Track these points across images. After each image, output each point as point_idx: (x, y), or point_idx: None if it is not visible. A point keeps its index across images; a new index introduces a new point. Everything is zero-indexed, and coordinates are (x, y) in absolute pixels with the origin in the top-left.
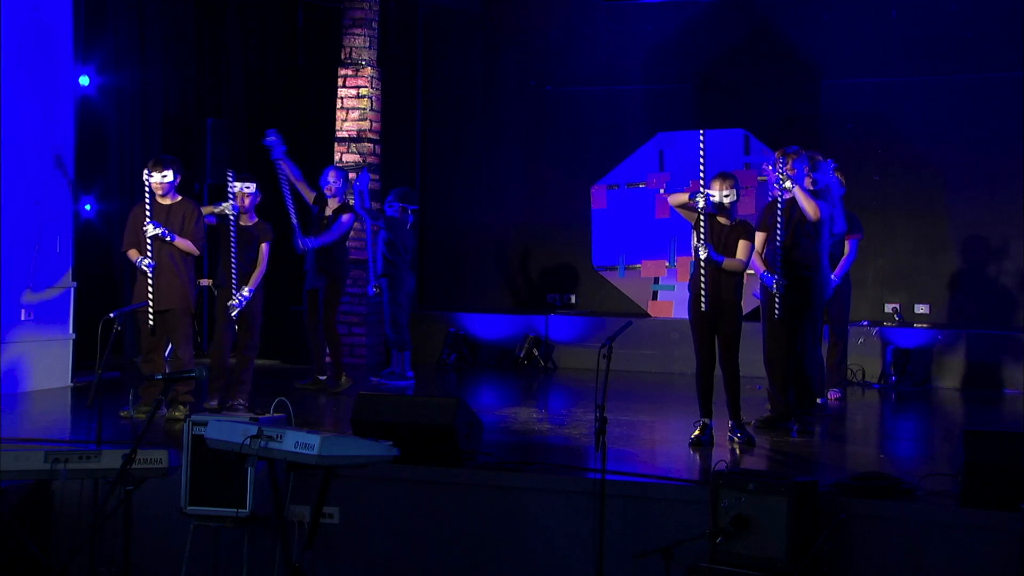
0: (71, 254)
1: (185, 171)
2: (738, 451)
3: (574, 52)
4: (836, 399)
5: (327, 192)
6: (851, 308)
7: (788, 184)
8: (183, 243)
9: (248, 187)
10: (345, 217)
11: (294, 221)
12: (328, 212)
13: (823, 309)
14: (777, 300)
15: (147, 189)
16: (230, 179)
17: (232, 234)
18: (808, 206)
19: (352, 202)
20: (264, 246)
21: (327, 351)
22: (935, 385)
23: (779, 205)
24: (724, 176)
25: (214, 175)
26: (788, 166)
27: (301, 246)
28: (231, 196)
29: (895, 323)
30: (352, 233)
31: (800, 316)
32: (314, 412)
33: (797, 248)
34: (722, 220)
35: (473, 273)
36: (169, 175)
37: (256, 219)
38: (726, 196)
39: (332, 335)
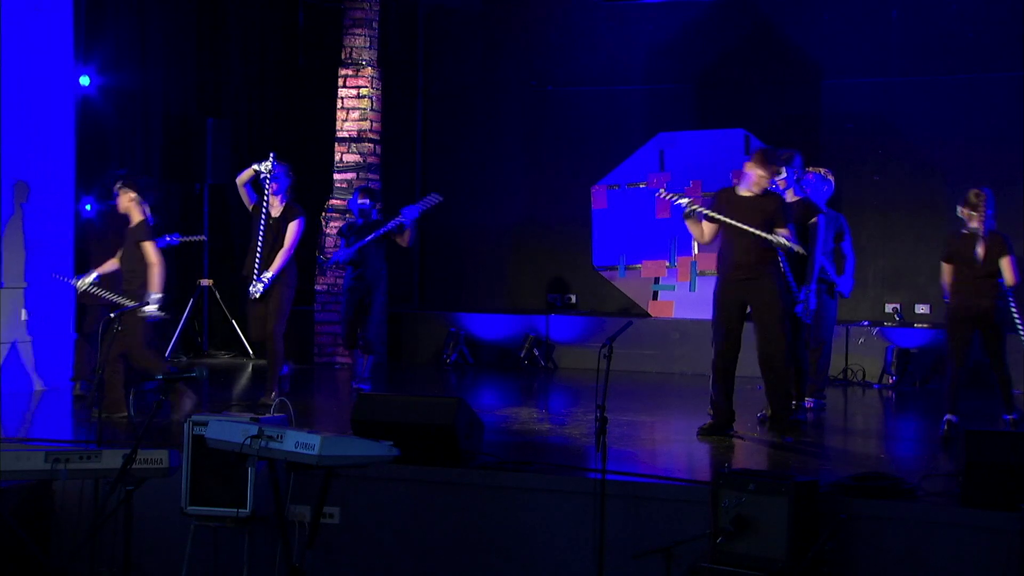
0: (72, 254)
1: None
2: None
3: (574, 52)
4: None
5: (272, 189)
6: (836, 310)
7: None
8: None
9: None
10: (295, 225)
11: (257, 263)
12: (274, 213)
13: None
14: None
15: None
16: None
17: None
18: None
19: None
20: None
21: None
22: (936, 385)
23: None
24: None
25: (215, 175)
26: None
27: (256, 293)
28: None
29: (895, 323)
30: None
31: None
32: (313, 413)
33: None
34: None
35: (473, 273)
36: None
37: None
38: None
39: (275, 346)
